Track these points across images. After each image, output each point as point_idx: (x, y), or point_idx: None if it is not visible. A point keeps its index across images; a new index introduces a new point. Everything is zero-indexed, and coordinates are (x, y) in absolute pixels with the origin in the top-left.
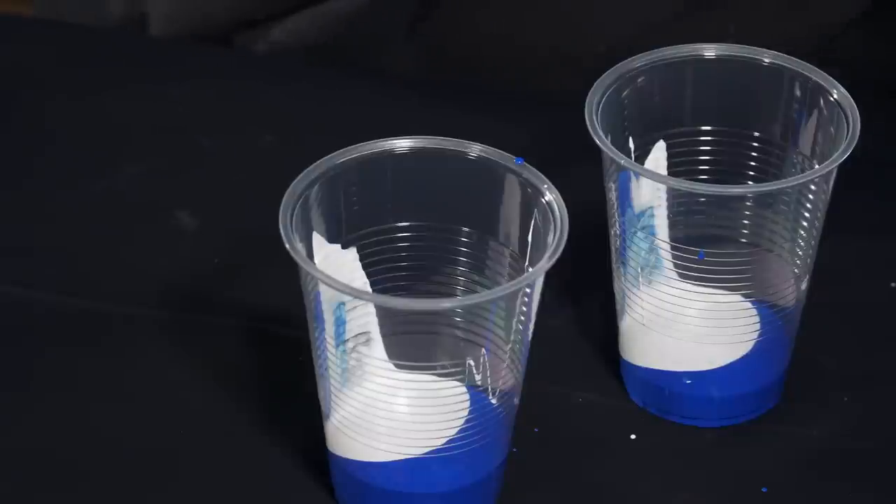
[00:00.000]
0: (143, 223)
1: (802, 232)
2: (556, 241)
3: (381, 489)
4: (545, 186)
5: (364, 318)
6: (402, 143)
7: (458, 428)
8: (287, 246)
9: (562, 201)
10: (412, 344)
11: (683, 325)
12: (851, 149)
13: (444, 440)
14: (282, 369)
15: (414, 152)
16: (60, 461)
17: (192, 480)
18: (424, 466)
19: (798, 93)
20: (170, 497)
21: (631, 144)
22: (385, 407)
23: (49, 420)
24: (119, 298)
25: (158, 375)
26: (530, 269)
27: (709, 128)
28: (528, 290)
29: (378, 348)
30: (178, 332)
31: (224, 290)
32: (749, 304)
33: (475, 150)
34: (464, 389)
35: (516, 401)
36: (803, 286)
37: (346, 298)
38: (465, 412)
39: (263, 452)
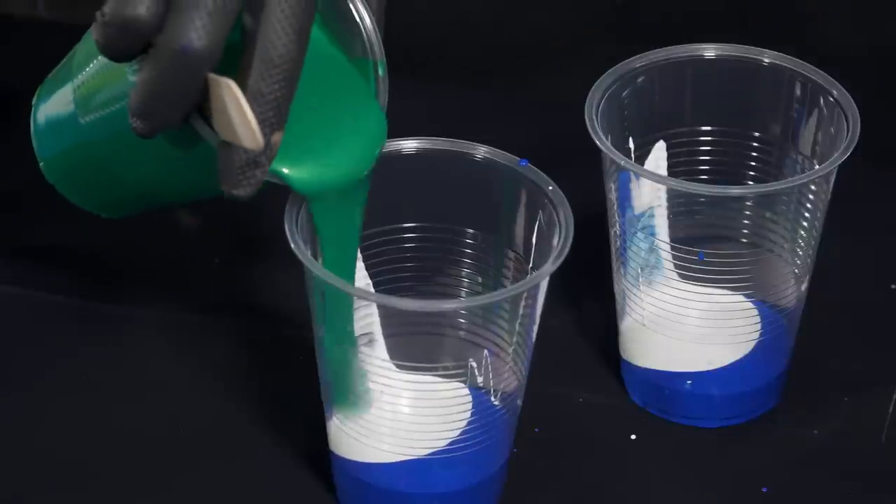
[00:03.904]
0: (143, 223)
1: (802, 232)
2: (560, 243)
3: (383, 490)
4: (550, 189)
5: (367, 318)
6: (409, 144)
7: (461, 429)
8: (292, 246)
9: (567, 204)
10: (415, 345)
11: (684, 325)
12: (851, 149)
13: (447, 441)
14: (282, 369)
15: (420, 153)
16: (61, 461)
17: (193, 480)
18: (426, 467)
19: (798, 93)
20: (170, 497)
21: (631, 144)
22: (387, 408)
23: (49, 420)
24: (119, 298)
25: (158, 375)
26: (535, 272)
27: (709, 128)
28: (532, 293)
29: (381, 349)
30: (178, 332)
31: (224, 290)
32: (749, 305)
33: (481, 151)
34: (466, 391)
35: (519, 402)
36: (803, 286)
37: None
38: (468, 414)
39: (264, 452)
